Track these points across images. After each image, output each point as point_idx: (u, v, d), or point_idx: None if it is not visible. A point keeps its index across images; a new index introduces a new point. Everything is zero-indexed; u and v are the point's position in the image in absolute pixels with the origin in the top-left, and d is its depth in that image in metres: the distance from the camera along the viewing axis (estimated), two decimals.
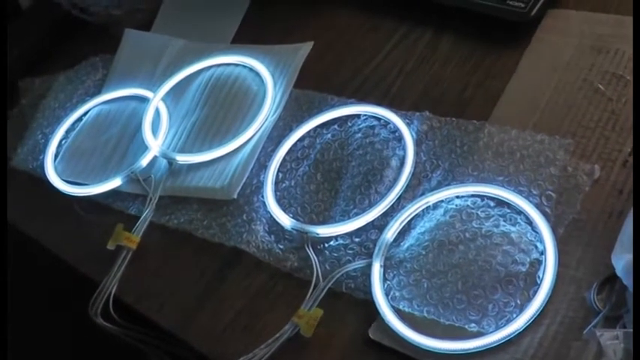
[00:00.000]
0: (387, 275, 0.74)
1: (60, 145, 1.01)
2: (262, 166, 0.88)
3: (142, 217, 0.88)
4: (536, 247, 0.70)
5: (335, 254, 0.77)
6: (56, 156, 1.00)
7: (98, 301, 0.85)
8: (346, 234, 0.78)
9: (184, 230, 0.87)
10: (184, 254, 0.86)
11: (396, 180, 0.79)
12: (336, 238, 0.79)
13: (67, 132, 1.03)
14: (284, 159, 0.87)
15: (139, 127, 0.96)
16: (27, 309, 1.11)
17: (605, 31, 0.82)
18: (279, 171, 0.86)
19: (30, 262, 1.08)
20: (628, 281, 0.61)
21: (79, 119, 1.03)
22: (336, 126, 0.87)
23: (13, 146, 1.06)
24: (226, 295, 0.80)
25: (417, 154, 0.80)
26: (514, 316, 0.67)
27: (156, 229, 0.89)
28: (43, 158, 1.00)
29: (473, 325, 0.68)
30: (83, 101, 1.05)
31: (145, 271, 0.86)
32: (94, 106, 1.04)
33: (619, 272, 0.62)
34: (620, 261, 0.62)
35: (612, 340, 0.58)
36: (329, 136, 0.87)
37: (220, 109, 0.95)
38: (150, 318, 0.83)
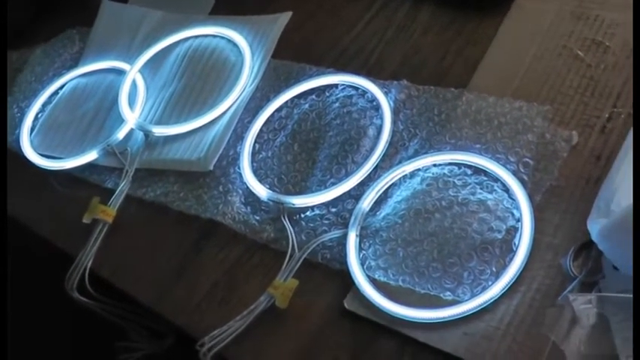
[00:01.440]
0: (362, 245, 0.73)
1: (36, 118, 1.00)
2: (239, 137, 0.87)
3: (118, 190, 0.87)
4: (512, 214, 0.69)
5: (311, 224, 0.76)
6: (32, 130, 0.99)
7: (74, 276, 0.84)
8: (323, 204, 0.77)
9: (161, 203, 0.86)
10: (161, 227, 0.85)
11: (372, 149, 0.78)
12: (312, 208, 0.78)
13: (44, 106, 1.01)
14: (261, 130, 0.86)
15: (115, 100, 0.95)
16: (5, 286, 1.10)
17: None
18: (256, 142, 0.85)
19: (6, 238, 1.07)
20: (603, 246, 0.60)
21: (56, 93, 1.02)
22: (313, 96, 0.86)
23: None
24: (202, 268, 0.79)
25: (394, 122, 0.79)
26: (489, 283, 0.66)
27: (132, 202, 0.88)
28: (19, 132, 0.98)
29: (448, 293, 0.67)
30: (60, 74, 1.03)
31: (121, 244, 0.85)
32: (71, 80, 1.02)
33: (594, 237, 0.61)
34: (596, 226, 0.61)
35: (585, 304, 0.57)
36: (306, 106, 0.86)
37: (198, 80, 0.94)
38: (125, 292, 0.82)
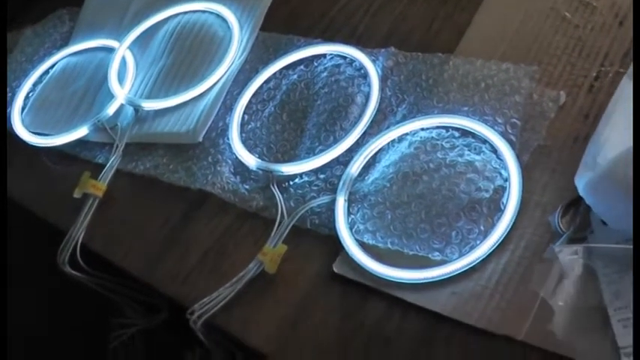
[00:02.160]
0: (351, 209, 0.73)
1: (27, 97, 1.00)
2: (228, 109, 0.86)
3: (108, 164, 0.87)
4: (500, 174, 0.68)
5: (300, 191, 0.76)
6: (23, 109, 0.99)
7: (66, 250, 0.83)
8: (311, 171, 0.77)
9: (150, 176, 0.86)
10: (151, 200, 0.85)
11: (360, 116, 0.78)
12: (300, 175, 0.77)
13: (34, 85, 1.01)
14: (250, 101, 0.86)
15: (106, 78, 0.94)
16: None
17: None
18: (245, 113, 0.85)
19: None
20: (589, 199, 0.60)
21: (46, 72, 1.02)
22: (302, 66, 0.86)
23: None
24: (192, 238, 0.79)
25: (382, 89, 0.79)
26: (477, 242, 0.65)
27: (123, 176, 0.87)
28: (10, 111, 0.98)
29: (436, 253, 0.66)
30: (50, 54, 1.03)
31: (112, 218, 0.85)
32: (62, 59, 1.02)
33: (581, 191, 0.61)
34: (582, 180, 0.60)
35: (572, 255, 0.57)
36: (295, 76, 0.85)
37: (187, 55, 0.93)
38: (116, 264, 0.82)
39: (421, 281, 0.65)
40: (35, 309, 1.16)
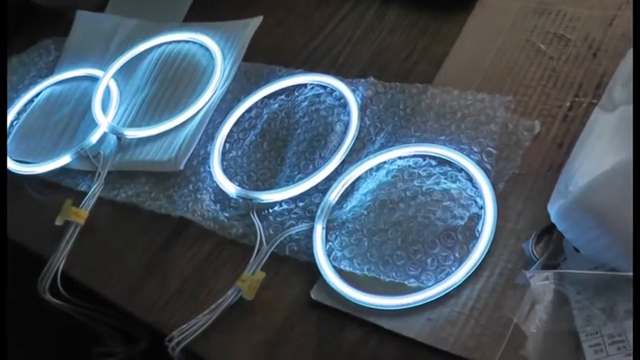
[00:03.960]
0: (329, 237, 0.73)
1: (12, 126, 1.01)
2: (210, 137, 0.87)
3: (90, 192, 0.87)
4: (475, 202, 0.69)
5: (279, 219, 0.77)
6: (7, 136, 0.99)
7: (46, 277, 0.84)
8: (290, 199, 0.78)
9: (132, 204, 0.86)
10: (132, 227, 0.85)
11: (340, 144, 0.79)
12: (280, 203, 0.78)
13: (19, 114, 1.02)
14: (231, 130, 0.87)
15: (90, 106, 0.95)
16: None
17: None
18: (226, 141, 0.86)
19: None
20: (561, 226, 0.61)
21: (31, 101, 1.03)
22: (283, 96, 0.87)
23: None
24: (172, 265, 0.80)
25: (361, 118, 0.80)
26: (453, 269, 0.66)
27: (104, 203, 0.88)
28: None
29: (412, 280, 0.67)
30: (35, 83, 1.04)
31: (93, 246, 0.85)
32: (46, 87, 1.03)
33: (553, 218, 0.61)
34: (554, 207, 0.61)
35: (543, 281, 0.57)
36: (276, 105, 0.87)
37: (170, 84, 0.94)
38: (97, 291, 0.82)
39: (397, 308, 0.66)
40: (16, 337, 1.16)
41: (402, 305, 0.66)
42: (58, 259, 0.84)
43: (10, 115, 1.01)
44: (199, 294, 0.76)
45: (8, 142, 0.99)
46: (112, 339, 0.94)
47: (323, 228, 0.73)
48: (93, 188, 0.87)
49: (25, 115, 1.02)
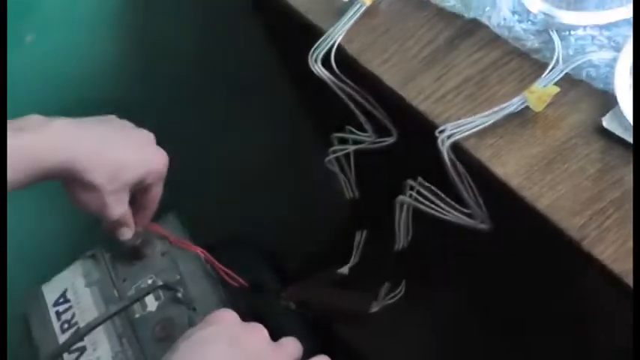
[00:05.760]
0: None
1: None
2: None
3: None
4: None
5: (580, 42, 0.74)
6: None
7: (320, 48, 0.85)
8: (596, 25, 0.75)
9: None
10: (417, 19, 0.84)
11: None
12: (584, 27, 0.75)
13: None
14: None
15: None
16: None
17: None
18: None
19: None
20: None
21: None
22: None
23: None
24: (454, 63, 0.79)
25: None
26: None
27: None
28: None
29: None
30: None
31: (374, 27, 0.85)
32: None
33: None
34: None
35: None
36: None
37: None
38: (370, 71, 0.82)
39: None
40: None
41: None
42: (337, 33, 0.85)
43: None
44: (479, 96, 0.76)
45: None
46: (361, 124, 0.94)
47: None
48: None
49: None
